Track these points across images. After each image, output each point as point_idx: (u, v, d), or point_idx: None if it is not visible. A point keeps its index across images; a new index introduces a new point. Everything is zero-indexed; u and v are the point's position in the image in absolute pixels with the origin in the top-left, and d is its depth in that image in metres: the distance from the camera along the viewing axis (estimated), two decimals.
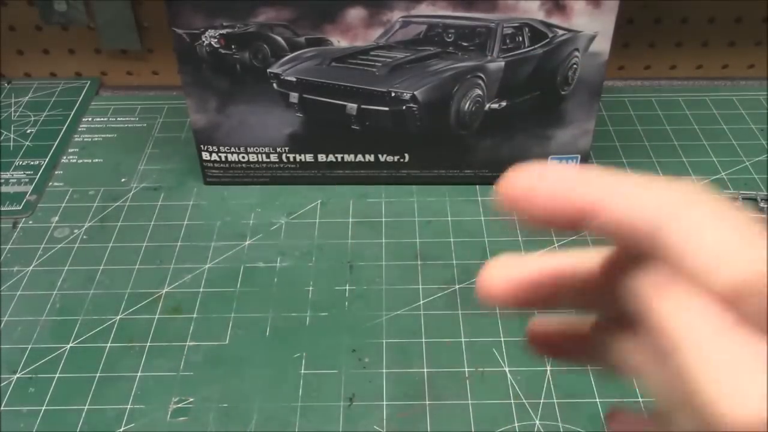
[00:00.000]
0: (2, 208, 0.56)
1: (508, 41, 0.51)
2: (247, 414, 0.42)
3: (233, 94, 0.53)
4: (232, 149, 0.56)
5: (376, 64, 0.51)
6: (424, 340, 0.46)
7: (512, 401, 0.42)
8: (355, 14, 0.50)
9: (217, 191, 0.57)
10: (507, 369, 0.44)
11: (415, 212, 0.55)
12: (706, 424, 0.14)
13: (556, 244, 0.52)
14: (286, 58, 0.52)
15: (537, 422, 0.41)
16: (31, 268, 0.51)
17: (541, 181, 0.18)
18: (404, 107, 0.52)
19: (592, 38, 0.50)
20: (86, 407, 0.42)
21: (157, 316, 0.48)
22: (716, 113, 0.65)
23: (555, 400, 0.42)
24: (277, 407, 0.42)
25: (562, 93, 0.52)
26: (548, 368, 0.44)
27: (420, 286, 0.49)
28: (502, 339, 0.46)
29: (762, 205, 0.54)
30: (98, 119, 0.66)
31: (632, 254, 0.17)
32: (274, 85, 0.53)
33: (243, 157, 0.56)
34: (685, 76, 0.71)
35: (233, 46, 0.51)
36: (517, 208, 0.19)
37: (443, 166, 0.56)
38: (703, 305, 0.15)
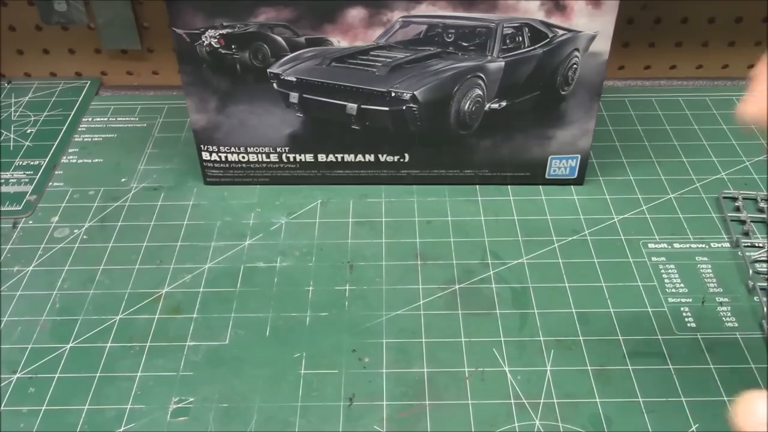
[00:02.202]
0: (2, 208, 0.56)
1: (508, 41, 0.51)
2: (247, 414, 0.42)
3: (233, 94, 0.53)
4: (232, 149, 0.56)
5: (376, 64, 0.51)
6: (424, 340, 0.46)
7: (512, 401, 0.42)
8: (355, 14, 0.50)
9: (217, 191, 0.57)
10: (507, 369, 0.44)
11: (415, 212, 0.55)
12: None
13: (555, 244, 0.52)
14: (286, 58, 0.52)
15: (537, 422, 0.41)
16: (31, 268, 0.51)
17: None
18: (404, 107, 0.52)
19: (592, 38, 0.50)
20: (86, 407, 0.42)
21: (157, 316, 0.48)
22: (716, 113, 0.65)
23: (555, 400, 0.42)
24: (277, 407, 0.42)
25: (562, 93, 0.53)
26: (548, 368, 0.44)
27: (420, 286, 0.49)
28: (502, 339, 0.46)
29: (762, 205, 0.54)
30: (98, 119, 0.66)
31: None
32: (274, 85, 0.53)
33: (243, 157, 0.56)
34: (685, 76, 0.71)
35: (233, 46, 0.51)
36: None
37: (443, 166, 0.56)
38: None
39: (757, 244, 0.51)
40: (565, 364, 0.44)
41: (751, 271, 0.49)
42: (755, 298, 0.48)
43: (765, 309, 0.47)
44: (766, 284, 0.48)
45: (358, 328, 0.47)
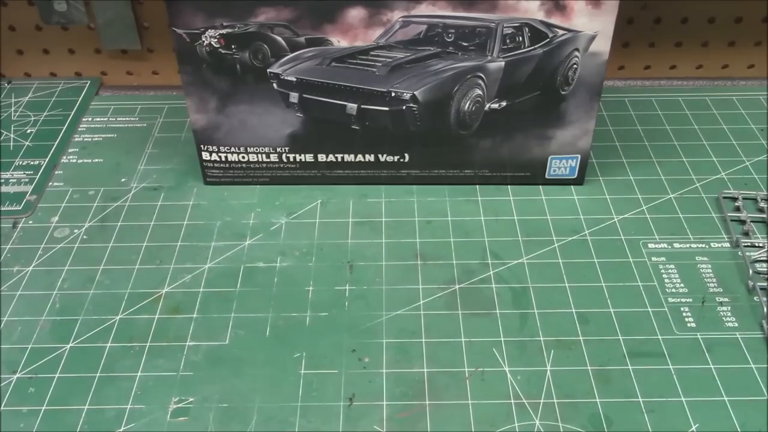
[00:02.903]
0: (2, 208, 0.56)
1: (508, 41, 0.51)
2: (247, 414, 0.42)
3: (233, 94, 0.53)
4: (232, 149, 0.56)
5: (376, 64, 0.51)
6: (424, 340, 0.46)
7: (512, 401, 0.42)
8: (355, 14, 0.50)
9: (217, 191, 0.57)
10: (507, 369, 0.44)
11: (415, 212, 0.55)
12: None
13: (555, 244, 0.52)
14: (286, 58, 0.52)
15: (537, 422, 0.41)
16: (31, 268, 0.51)
17: None
18: (404, 107, 0.52)
19: (592, 38, 0.50)
20: (86, 407, 0.42)
21: (157, 316, 0.48)
22: (716, 113, 0.65)
23: (555, 400, 0.42)
24: (277, 407, 0.42)
25: (562, 93, 0.52)
26: (548, 368, 0.44)
27: (420, 286, 0.49)
28: (502, 339, 0.46)
29: (762, 204, 0.54)
30: (98, 119, 0.66)
31: None
32: (274, 85, 0.53)
33: (243, 157, 0.56)
34: (685, 76, 0.71)
35: (233, 46, 0.51)
36: None
37: (443, 166, 0.56)
38: None
39: (757, 244, 0.51)
40: (565, 364, 0.44)
41: (751, 271, 0.49)
42: (755, 298, 0.48)
43: (765, 309, 0.47)
44: (766, 284, 0.48)
45: (358, 328, 0.47)
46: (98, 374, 0.44)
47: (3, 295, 0.49)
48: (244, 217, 0.55)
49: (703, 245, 0.52)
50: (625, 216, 0.54)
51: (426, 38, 0.51)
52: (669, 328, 0.46)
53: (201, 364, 0.45)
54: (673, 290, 0.49)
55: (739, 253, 0.51)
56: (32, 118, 0.66)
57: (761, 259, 0.50)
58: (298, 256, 0.52)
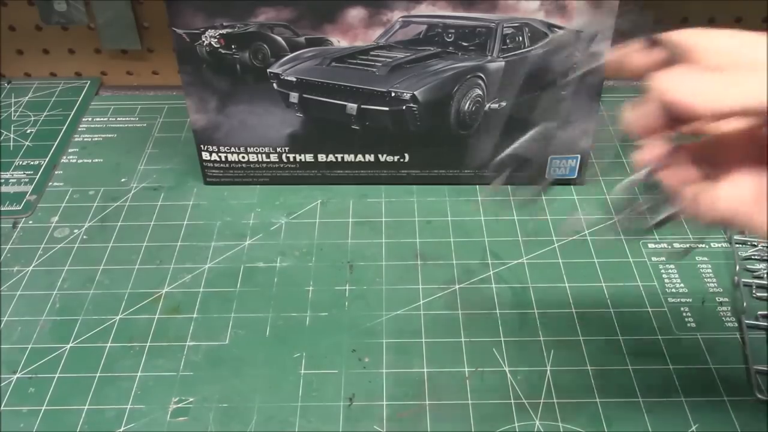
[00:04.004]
0: (2, 208, 0.56)
1: (508, 41, 0.51)
2: (247, 414, 0.42)
3: (233, 94, 0.53)
4: (232, 149, 0.56)
5: (376, 64, 0.51)
6: (424, 340, 0.46)
7: (512, 401, 0.42)
8: (355, 14, 0.50)
9: (217, 191, 0.57)
10: (507, 369, 0.44)
11: (415, 212, 0.55)
12: None
13: (555, 244, 0.52)
14: (286, 58, 0.52)
15: (537, 422, 0.41)
16: (31, 268, 0.51)
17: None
18: (404, 107, 0.52)
19: (592, 38, 0.50)
20: (86, 407, 0.42)
21: (157, 316, 0.48)
22: None
23: (555, 400, 0.42)
24: (277, 407, 0.42)
25: (562, 93, 0.52)
26: (548, 368, 0.44)
27: (420, 286, 0.49)
28: (502, 339, 0.46)
29: None
30: (98, 119, 0.66)
31: None
32: (274, 85, 0.53)
33: (243, 157, 0.56)
34: None
35: (233, 46, 0.51)
36: None
37: (443, 166, 0.56)
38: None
39: (751, 243, 0.51)
40: (565, 364, 0.44)
41: (737, 267, 0.49)
42: (754, 297, 0.48)
43: (745, 304, 0.47)
44: (751, 281, 0.48)
45: (358, 328, 0.47)
46: (98, 374, 0.44)
47: (3, 295, 0.49)
48: (244, 217, 0.55)
49: (703, 245, 0.52)
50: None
51: (426, 38, 0.51)
52: (669, 328, 0.46)
53: (201, 364, 0.45)
54: (673, 290, 0.49)
55: (726, 244, 0.51)
56: (32, 118, 0.66)
57: (753, 257, 0.50)
58: (298, 256, 0.52)
